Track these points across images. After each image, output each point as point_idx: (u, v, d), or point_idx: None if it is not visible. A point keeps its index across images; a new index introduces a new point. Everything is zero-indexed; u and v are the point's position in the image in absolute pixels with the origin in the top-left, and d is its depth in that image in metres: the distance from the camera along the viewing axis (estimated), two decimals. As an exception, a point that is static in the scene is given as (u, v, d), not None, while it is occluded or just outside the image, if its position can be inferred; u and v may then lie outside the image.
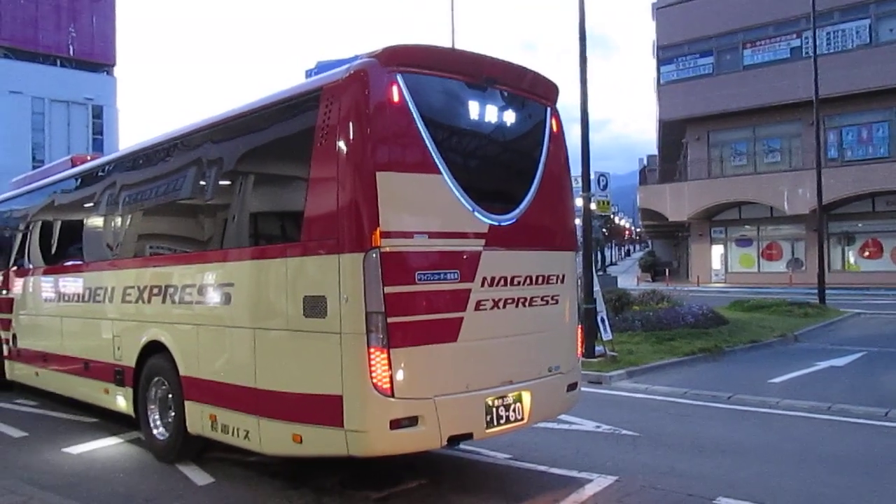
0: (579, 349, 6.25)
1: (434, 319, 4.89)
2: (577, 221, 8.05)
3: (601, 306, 12.00)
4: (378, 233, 4.64)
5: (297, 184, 5.28)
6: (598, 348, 11.73)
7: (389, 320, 4.62)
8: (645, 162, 60.31)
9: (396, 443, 4.74)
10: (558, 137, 6.05)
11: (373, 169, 4.71)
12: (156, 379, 6.66)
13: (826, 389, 9.70)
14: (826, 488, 5.70)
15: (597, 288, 11.90)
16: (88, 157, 9.64)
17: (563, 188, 6.09)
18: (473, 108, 5.38)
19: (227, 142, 6.21)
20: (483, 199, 5.22)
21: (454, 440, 5.00)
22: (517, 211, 5.50)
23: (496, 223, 5.29)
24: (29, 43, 44.50)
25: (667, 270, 43.94)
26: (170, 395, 6.43)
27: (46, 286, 9.19)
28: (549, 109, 6.03)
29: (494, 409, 5.19)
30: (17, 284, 10.01)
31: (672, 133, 40.53)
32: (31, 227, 9.90)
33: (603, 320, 11.86)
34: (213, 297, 5.99)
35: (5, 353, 10.32)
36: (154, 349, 6.63)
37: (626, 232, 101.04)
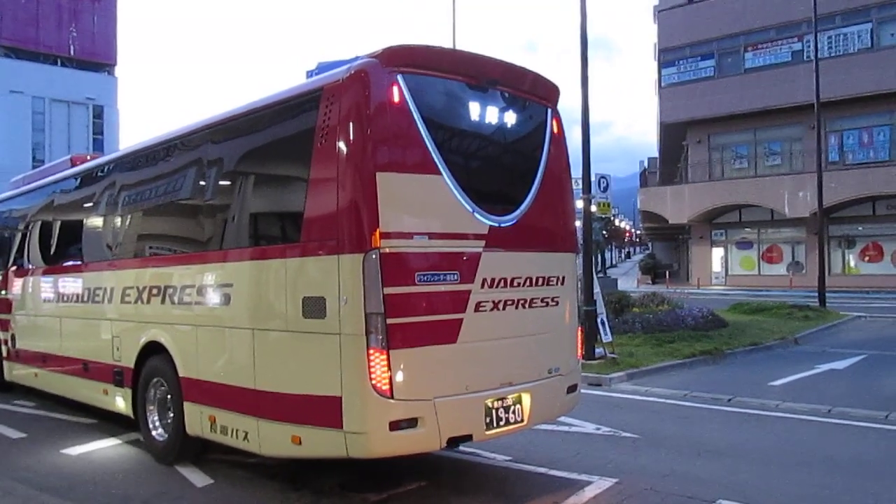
0: (579, 351, 6.23)
1: (434, 321, 4.88)
2: (578, 223, 8.04)
3: (601, 308, 11.99)
4: (378, 234, 4.63)
5: (296, 184, 5.27)
6: (599, 350, 11.72)
7: (389, 321, 4.60)
8: (646, 164, 60.28)
9: (396, 444, 4.72)
10: (559, 139, 6.04)
11: (373, 169, 4.70)
12: (155, 380, 6.64)
13: (826, 392, 9.69)
14: (826, 491, 5.68)
15: (597, 290, 11.89)
16: (88, 157, 9.63)
17: (563, 190, 6.08)
18: (474, 109, 5.37)
19: (227, 142, 6.20)
20: (483, 201, 5.21)
21: (454, 442, 4.98)
22: (517, 212, 5.48)
23: (496, 224, 5.28)
24: (30, 42, 44.48)
25: (667, 273, 43.98)
26: (169, 396, 6.41)
27: (45, 287, 9.17)
28: (549, 111, 6.02)
29: (494, 411, 5.18)
30: (16, 285, 9.98)
31: (673, 136, 40.53)
32: (30, 228, 9.87)
33: (603, 322, 11.85)
34: (213, 297, 5.98)
35: (4, 353, 10.30)
36: (153, 350, 6.61)
37: (627, 234, 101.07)
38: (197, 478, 5.99)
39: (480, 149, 5.63)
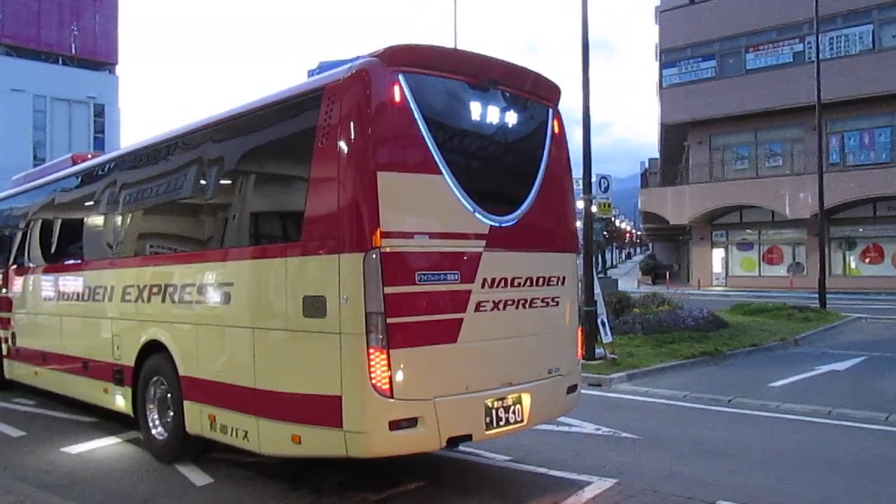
0: (579, 351, 6.23)
1: (434, 320, 4.88)
2: (578, 224, 8.04)
3: (602, 309, 11.98)
4: (378, 233, 4.62)
5: (297, 183, 5.27)
6: (599, 351, 11.72)
7: (389, 321, 4.60)
8: (646, 165, 60.30)
9: (396, 444, 4.72)
10: (560, 139, 6.04)
11: (374, 169, 4.70)
12: (155, 378, 6.64)
13: (827, 393, 9.68)
14: (826, 492, 5.68)
15: (597, 290, 11.89)
16: (89, 156, 9.64)
17: (564, 190, 6.07)
18: (475, 109, 5.37)
19: (228, 141, 6.20)
20: (484, 200, 5.21)
21: (453, 441, 4.98)
22: (518, 212, 5.48)
23: (497, 224, 5.28)
24: (31, 41, 44.46)
25: (667, 273, 43.98)
26: (169, 395, 6.42)
27: (46, 285, 9.18)
28: (550, 111, 6.02)
29: (494, 411, 5.18)
30: (17, 283, 9.99)
31: (674, 136, 40.53)
32: (30, 226, 9.88)
33: (603, 323, 11.85)
34: (213, 296, 5.98)
35: (4, 352, 10.31)
36: (153, 349, 6.62)
37: (628, 235, 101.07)
38: (197, 477, 5.99)
39: (481, 148, 5.62)
